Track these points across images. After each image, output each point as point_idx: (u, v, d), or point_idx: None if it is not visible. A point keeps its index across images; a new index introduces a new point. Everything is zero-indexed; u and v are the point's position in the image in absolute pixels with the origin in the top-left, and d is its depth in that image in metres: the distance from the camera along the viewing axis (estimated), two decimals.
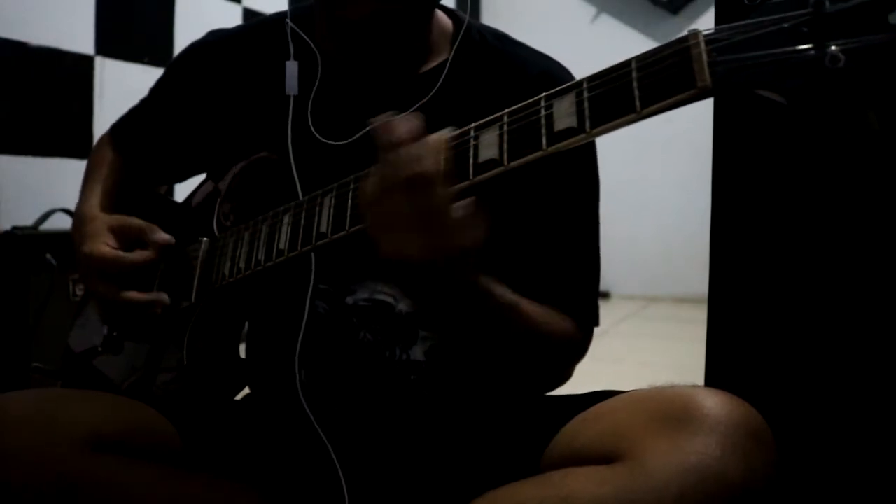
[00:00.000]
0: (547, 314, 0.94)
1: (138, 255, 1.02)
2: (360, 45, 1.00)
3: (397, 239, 0.76)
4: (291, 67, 1.03)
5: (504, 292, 0.87)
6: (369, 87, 1.02)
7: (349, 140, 0.99)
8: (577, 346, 0.99)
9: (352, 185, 0.84)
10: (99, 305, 1.07)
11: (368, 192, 0.78)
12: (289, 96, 1.02)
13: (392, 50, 1.01)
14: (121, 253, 1.02)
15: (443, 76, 1.00)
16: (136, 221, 1.05)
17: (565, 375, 1.01)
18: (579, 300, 0.99)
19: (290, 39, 1.05)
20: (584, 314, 0.99)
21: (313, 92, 1.02)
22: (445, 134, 0.76)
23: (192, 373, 1.01)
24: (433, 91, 1.00)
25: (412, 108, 0.99)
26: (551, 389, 1.01)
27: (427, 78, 1.01)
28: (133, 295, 1.00)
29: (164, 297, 1.01)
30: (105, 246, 1.03)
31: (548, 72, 1.01)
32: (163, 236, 1.03)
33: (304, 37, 1.05)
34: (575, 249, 1.01)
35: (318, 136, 1.01)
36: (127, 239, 1.04)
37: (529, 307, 0.91)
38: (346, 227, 0.83)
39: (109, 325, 1.09)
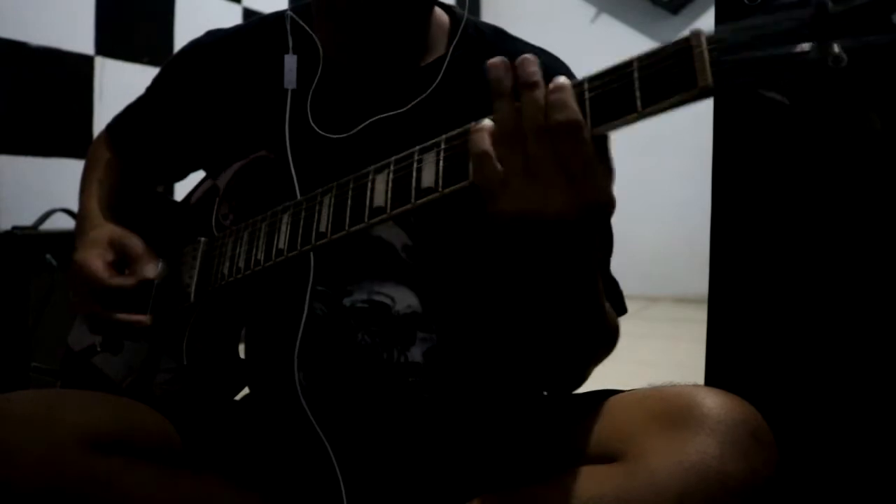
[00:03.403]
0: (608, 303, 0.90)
1: (118, 280, 1.01)
2: (359, 37, 1.00)
3: (534, 195, 0.68)
4: (290, 61, 1.03)
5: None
6: (368, 81, 1.02)
7: (349, 133, 0.99)
8: (616, 336, 0.97)
9: (351, 185, 0.84)
10: (82, 315, 1.06)
11: (488, 142, 0.69)
12: (287, 90, 1.02)
13: (391, 43, 1.01)
14: (103, 274, 1.01)
15: (442, 71, 1.00)
16: (135, 245, 1.04)
17: (588, 373, 0.98)
18: (609, 289, 0.96)
19: (289, 33, 1.05)
20: (614, 303, 0.96)
21: (313, 86, 1.02)
22: (566, 79, 0.69)
23: (191, 373, 1.01)
24: (432, 86, 1.00)
25: (412, 103, 0.99)
26: (576, 387, 0.97)
27: (426, 73, 1.01)
28: (114, 315, 1.00)
29: (145, 320, 1.00)
30: (98, 260, 1.02)
31: (545, 65, 1.01)
32: (147, 272, 1.02)
33: (307, 28, 1.05)
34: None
35: (317, 129, 1.00)
36: (122, 258, 1.04)
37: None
38: (346, 227, 0.83)
39: (95, 333, 1.09)
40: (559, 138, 0.67)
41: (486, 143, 0.69)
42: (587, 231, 0.71)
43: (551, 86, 0.68)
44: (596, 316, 0.82)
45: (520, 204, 0.69)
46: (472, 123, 0.72)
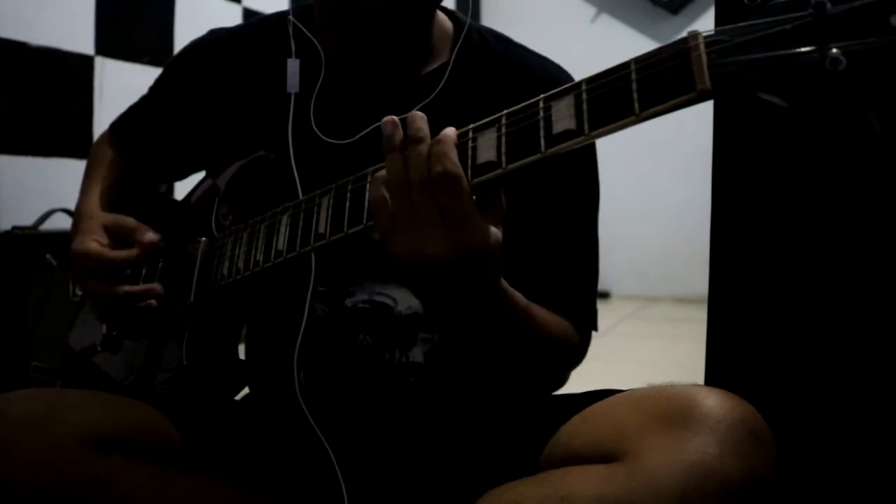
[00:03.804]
0: (553, 319, 0.94)
1: (122, 252, 1.02)
2: (362, 42, 1.00)
3: (417, 239, 0.74)
4: (293, 65, 1.03)
5: (517, 295, 0.85)
6: (371, 87, 1.02)
7: (351, 139, 0.99)
8: (576, 350, 0.99)
9: (350, 187, 0.84)
10: (93, 302, 1.07)
11: (383, 190, 0.76)
12: (290, 94, 1.02)
13: (394, 49, 1.01)
14: (105, 249, 1.02)
15: (444, 78, 1.00)
16: (129, 221, 1.05)
17: (562, 380, 1.01)
18: (578, 304, 0.99)
19: (291, 37, 1.05)
20: (583, 319, 0.99)
21: (316, 90, 1.02)
22: (452, 131, 0.75)
23: (191, 373, 1.01)
24: (435, 92, 1.00)
25: (414, 110, 0.98)
26: (548, 393, 1.01)
27: (429, 79, 1.01)
28: (124, 288, 1.00)
29: (157, 287, 1.01)
30: (94, 243, 1.03)
31: (550, 74, 1.01)
32: (149, 237, 1.03)
33: (308, 34, 1.05)
34: (574, 253, 1.01)
35: (320, 134, 1.01)
36: (119, 237, 1.05)
37: (539, 311, 0.90)
38: (345, 229, 0.83)
39: (107, 322, 1.09)
40: (439, 188, 0.72)
41: (380, 191, 0.76)
42: (469, 273, 0.76)
43: (435, 139, 0.74)
44: (514, 334, 0.87)
45: (406, 248, 0.75)
46: (371, 169, 0.80)
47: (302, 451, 0.98)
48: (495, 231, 0.75)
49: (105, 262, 1.01)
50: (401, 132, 0.75)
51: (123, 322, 1.07)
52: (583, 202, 1.02)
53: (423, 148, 0.74)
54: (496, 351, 0.89)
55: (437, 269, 0.75)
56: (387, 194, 0.75)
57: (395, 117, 0.77)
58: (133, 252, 1.02)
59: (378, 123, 0.98)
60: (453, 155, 0.73)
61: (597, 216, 1.04)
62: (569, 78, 1.02)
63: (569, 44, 2.80)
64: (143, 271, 1.07)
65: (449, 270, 0.75)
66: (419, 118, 0.75)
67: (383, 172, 0.77)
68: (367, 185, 0.80)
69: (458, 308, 0.81)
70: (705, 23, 4.38)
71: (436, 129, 0.77)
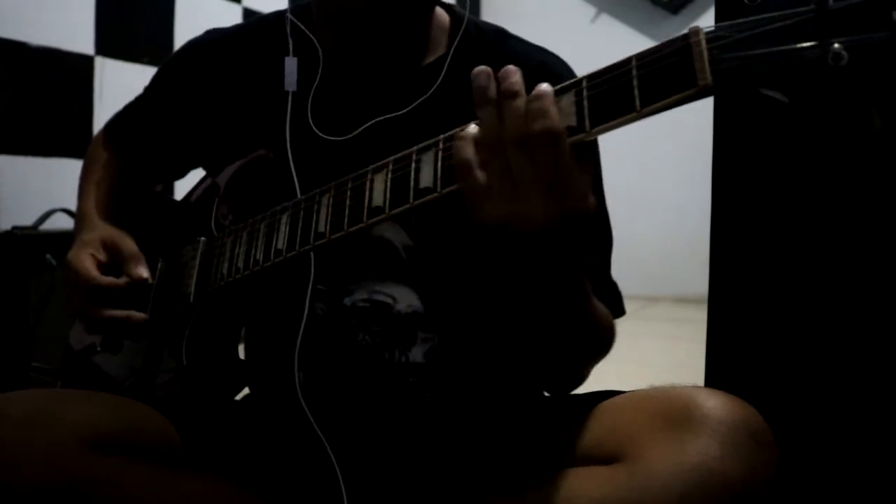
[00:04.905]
0: (603, 305, 0.90)
1: (111, 279, 1.02)
2: (360, 38, 1.00)
3: (514, 202, 0.69)
4: (290, 64, 1.03)
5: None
6: (369, 82, 1.02)
7: (350, 135, 0.99)
8: (613, 338, 0.97)
9: (350, 185, 0.84)
10: (77, 314, 1.07)
11: (472, 150, 0.70)
12: (287, 92, 1.02)
13: (391, 44, 1.01)
14: (94, 273, 1.02)
15: (443, 71, 1.00)
16: (127, 247, 1.05)
17: (586, 374, 0.98)
18: (606, 290, 0.97)
19: (289, 35, 1.05)
20: (612, 305, 0.96)
21: (313, 88, 1.02)
22: (549, 86, 0.70)
23: (191, 373, 1.01)
24: (435, 85, 0.99)
25: (413, 104, 0.98)
26: (574, 387, 0.98)
27: (426, 73, 1.01)
28: (106, 312, 1.01)
29: (139, 316, 1.01)
30: (88, 259, 1.03)
31: (545, 63, 1.01)
32: (139, 272, 1.03)
33: (306, 30, 1.05)
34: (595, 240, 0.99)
35: (317, 131, 1.00)
36: (114, 258, 1.05)
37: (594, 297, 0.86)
38: (345, 227, 0.83)
39: (92, 333, 1.10)
40: (538, 147, 0.68)
41: (468, 151, 0.70)
42: (566, 239, 0.72)
43: (532, 94, 0.69)
44: (583, 319, 0.82)
45: (500, 212, 0.70)
46: (458, 129, 0.73)
47: (302, 451, 0.98)
48: (591, 195, 0.70)
49: (93, 286, 1.01)
50: (495, 84, 0.70)
51: (108, 335, 1.07)
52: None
53: (520, 103, 0.69)
54: (566, 324, 0.83)
55: (532, 235, 0.70)
56: (474, 155, 0.70)
57: (488, 68, 0.71)
58: (121, 281, 1.02)
59: (376, 119, 0.98)
60: (554, 112, 0.68)
61: (604, 203, 1.02)
62: (566, 67, 1.02)
63: (569, 44, 2.79)
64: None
65: (546, 236, 0.70)
66: (514, 72, 0.70)
67: (471, 130, 0.72)
68: (447, 146, 0.74)
69: (543, 279, 0.76)
70: (705, 23, 4.34)
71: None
